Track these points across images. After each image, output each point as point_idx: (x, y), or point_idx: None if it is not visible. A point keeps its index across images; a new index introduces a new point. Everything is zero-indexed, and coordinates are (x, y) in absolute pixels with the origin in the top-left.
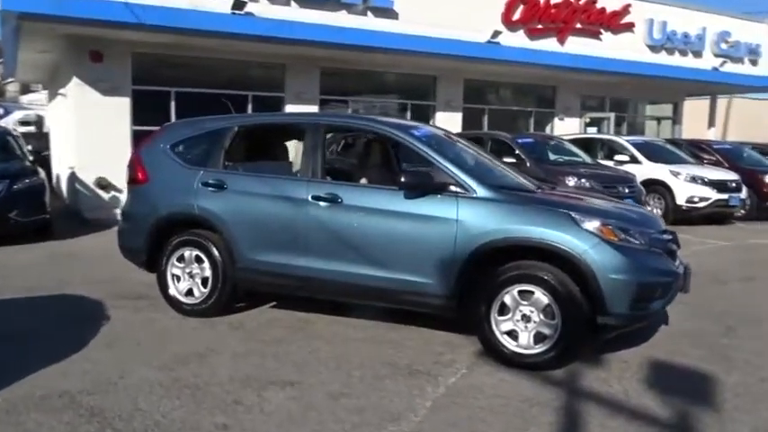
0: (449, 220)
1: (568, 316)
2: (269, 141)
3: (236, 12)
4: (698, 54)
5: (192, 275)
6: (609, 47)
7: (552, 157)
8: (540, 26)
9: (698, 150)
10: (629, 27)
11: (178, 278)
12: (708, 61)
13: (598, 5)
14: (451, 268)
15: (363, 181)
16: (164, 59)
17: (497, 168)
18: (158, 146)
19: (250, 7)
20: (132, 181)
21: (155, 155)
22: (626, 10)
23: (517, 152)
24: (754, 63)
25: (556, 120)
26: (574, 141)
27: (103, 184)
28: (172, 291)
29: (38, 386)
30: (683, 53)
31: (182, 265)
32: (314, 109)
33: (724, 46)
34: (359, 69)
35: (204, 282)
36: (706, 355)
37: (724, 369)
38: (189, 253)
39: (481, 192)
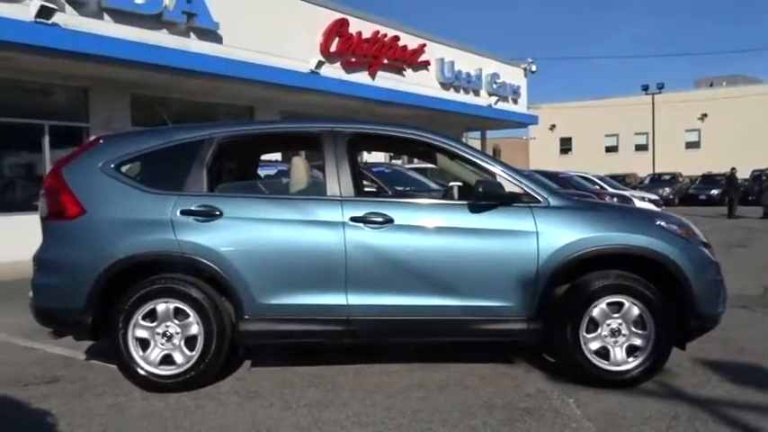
0: (527, 233)
1: (662, 324)
2: (263, 156)
3: (42, 21)
4: (477, 92)
5: (168, 336)
6: (410, 82)
7: (399, 187)
8: (353, 59)
9: None
10: (426, 65)
11: (145, 343)
12: (484, 99)
13: (401, 43)
14: (535, 286)
15: None
16: None
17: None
18: (93, 165)
19: (56, 17)
20: (55, 215)
21: (90, 177)
22: (422, 49)
23: (376, 181)
24: (515, 102)
25: (364, 152)
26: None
27: None
28: (140, 363)
29: None
30: (467, 91)
31: (151, 324)
32: None
33: (495, 86)
34: (174, 97)
35: (190, 342)
36: (723, 349)
37: (757, 359)
38: (164, 306)
39: (554, 201)
